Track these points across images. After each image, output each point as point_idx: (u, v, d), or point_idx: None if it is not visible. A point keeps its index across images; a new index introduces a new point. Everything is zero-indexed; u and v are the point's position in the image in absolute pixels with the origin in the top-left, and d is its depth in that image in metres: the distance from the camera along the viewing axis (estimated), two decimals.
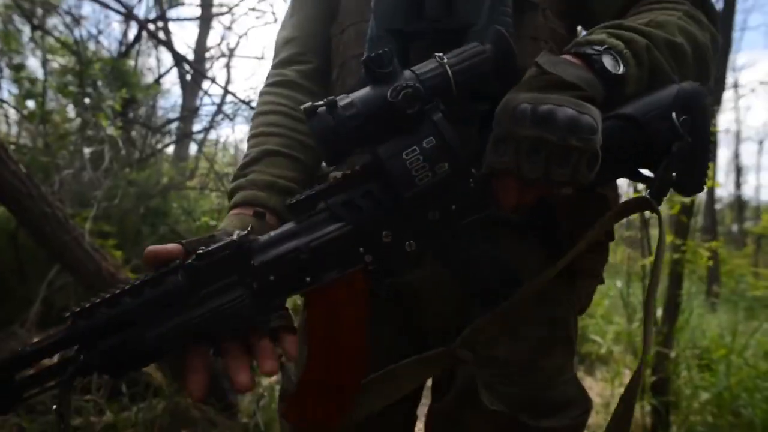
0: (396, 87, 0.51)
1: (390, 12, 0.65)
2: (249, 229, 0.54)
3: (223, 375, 2.48)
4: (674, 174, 0.55)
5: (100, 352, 0.49)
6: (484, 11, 0.62)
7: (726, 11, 2.92)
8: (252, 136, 0.77)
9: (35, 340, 0.51)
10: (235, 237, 0.52)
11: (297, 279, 0.53)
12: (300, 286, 0.53)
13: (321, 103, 0.52)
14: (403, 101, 0.51)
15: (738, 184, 16.57)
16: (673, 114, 0.55)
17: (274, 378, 2.98)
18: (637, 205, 0.58)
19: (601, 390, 3.38)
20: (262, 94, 0.84)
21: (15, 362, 0.49)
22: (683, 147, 0.54)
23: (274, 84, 0.82)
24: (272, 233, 0.54)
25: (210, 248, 0.51)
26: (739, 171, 16.53)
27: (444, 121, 0.53)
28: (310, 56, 0.83)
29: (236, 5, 6.59)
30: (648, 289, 0.56)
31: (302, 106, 0.53)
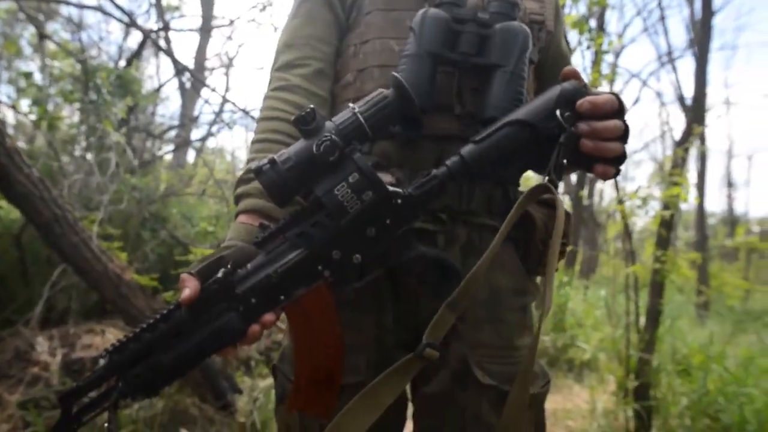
0: (318, 141, 0.64)
1: (432, 37, 0.77)
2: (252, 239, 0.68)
3: (220, 375, 2.56)
4: (565, 160, 0.68)
5: (133, 378, 0.63)
6: (512, 59, 0.76)
7: (703, 33, 3.07)
8: (256, 141, 0.86)
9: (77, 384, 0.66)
10: (220, 274, 0.65)
11: (273, 298, 0.67)
12: (277, 303, 0.67)
13: (265, 161, 0.66)
14: (323, 152, 0.64)
15: (730, 199, 16.85)
16: (557, 111, 0.69)
17: (269, 380, 3.06)
18: (539, 190, 0.71)
19: (588, 397, 3.47)
20: (265, 98, 0.91)
21: (71, 395, 0.63)
22: (569, 137, 0.68)
23: (276, 89, 0.88)
24: (249, 266, 0.68)
25: (203, 285, 0.65)
26: (730, 186, 16.82)
27: (362, 159, 0.66)
28: (310, 60, 0.89)
29: (237, 18, 6.71)
30: (546, 262, 0.69)
31: (250, 167, 0.67)
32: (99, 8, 3.52)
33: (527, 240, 0.85)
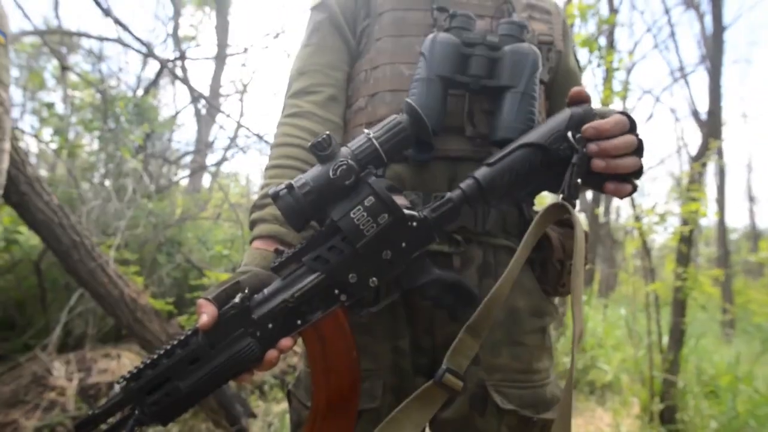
0: (334, 165, 0.65)
1: (442, 61, 0.78)
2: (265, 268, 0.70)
3: (235, 399, 2.54)
4: (579, 180, 0.67)
5: (149, 405, 0.63)
6: (523, 79, 0.77)
7: (715, 47, 3.05)
8: (270, 167, 0.87)
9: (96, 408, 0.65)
10: (237, 299, 0.65)
11: (290, 323, 0.67)
12: (294, 328, 0.67)
13: (282, 187, 0.66)
14: (340, 176, 0.64)
15: (751, 214, 16.53)
16: (569, 133, 0.68)
17: (284, 405, 3.02)
18: (555, 209, 0.70)
19: (611, 420, 3.36)
20: (279, 125, 0.92)
21: (88, 423, 0.63)
22: (582, 157, 0.67)
23: (290, 115, 0.89)
24: (265, 291, 0.68)
25: (220, 311, 0.65)
26: (751, 200, 16.50)
27: (378, 183, 0.67)
28: (323, 86, 0.90)
29: (251, 46, 6.87)
30: (568, 282, 0.67)
31: (268, 192, 0.68)
32: (119, 41, 3.63)
33: (543, 260, 0.84)
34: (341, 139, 0.91)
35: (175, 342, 0.65)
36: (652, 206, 2.52)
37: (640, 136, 0.69)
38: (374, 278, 0.68)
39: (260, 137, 4.69)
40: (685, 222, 2.39)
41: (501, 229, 0.83)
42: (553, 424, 0.67)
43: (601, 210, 5.97)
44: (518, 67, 0.77)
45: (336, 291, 0.68)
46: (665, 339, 2.72)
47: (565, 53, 0.97)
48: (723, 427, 2.49)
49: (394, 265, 0.68)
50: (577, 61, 1.05)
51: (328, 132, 0.67)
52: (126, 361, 2.87)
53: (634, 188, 0.71)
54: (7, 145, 1.26)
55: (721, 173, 9.47)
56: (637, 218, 2.47)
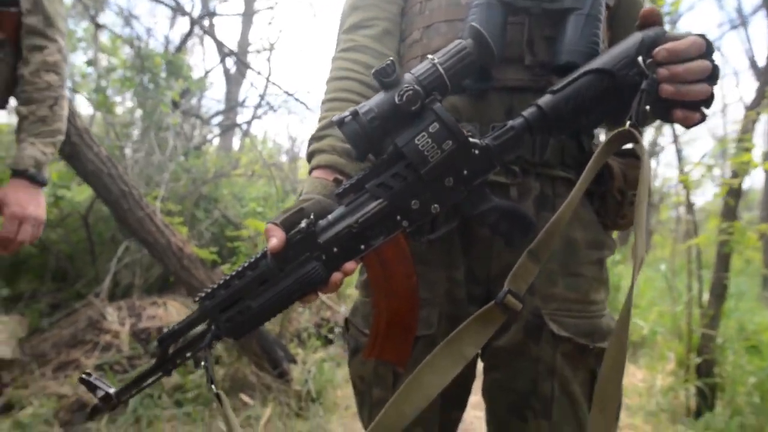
0: (400, 91, 0.64)
1: None
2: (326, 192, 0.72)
3: (276, 345, 2.65)
4: (647, 107, 0.64)
5: (224, 322, 0.67)
6: (588, 0, 0.74)
7: None
8: (327, 101, 0.87)
9: (175, 317, 0.68)
10: (303, 225, 0.67)
11: (353, 247, 0.68)
12: (357, 252, 0.69)
13: (347, 113, 0.66)
14: (406, 102, 0.64)
15: None
16: (639, 58, 0.65)
17: (321, 353, 3.14)
18: (621, 136, 0.67)
19: (644, 376, 3.37)
20: (334, 60, 0.92)
21: (169, 337, 0.67)
22: (651, 83, 0.64)
23: (345, 50, 0.89)
24: (330, 216, 0.69)
25: (287, 235, 0.67)
26: None
27: (442, 109, 0.66)
28: (377, 20, 0.89)
29: (276, 3, 6.77)
30: (637, 211, 0.65)
31: (333, 119, 0.67)
32: None
33: (603, 193, 0.82)
34: (397, 71, 0.89)
35: (246, 264, 0.68)
36: (700, 159, 2.42)
37: (715, 62, 0.66)
38: (436, 205, 0.69)
39: (290, 94, 4.67)
40: (734, 174, 2.30)
41: (559, 161, 0.81)
42: (605, 352, 0.67)
43: None
44: None
45: (398, 217, 0.68)
46: (705, 296, 2.67)
47: None
48: (762, 382, 2.47)
49: (455, 192, 0.69)
50: None
51: (391, 58, 0.66)
52: (172, 309, 3.02)
53: (703, 117, 0.68)
54: (65, 92, 1.30)
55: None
56: (682, 171, 2.39)
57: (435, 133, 0.66)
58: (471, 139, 0.67)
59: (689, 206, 2.69)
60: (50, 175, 3.23)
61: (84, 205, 3.47)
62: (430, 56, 0.67)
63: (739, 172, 2.24)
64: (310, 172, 0.82)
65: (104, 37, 4.96)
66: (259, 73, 3.73)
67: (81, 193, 3.71)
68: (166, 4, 4.34)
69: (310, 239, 0.68)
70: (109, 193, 2.14)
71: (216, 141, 6.56)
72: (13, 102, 1.32)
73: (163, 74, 3.56)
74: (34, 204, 1.19)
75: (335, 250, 0.68)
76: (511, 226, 0.72)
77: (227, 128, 5.10)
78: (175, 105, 4.04)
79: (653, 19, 0.69)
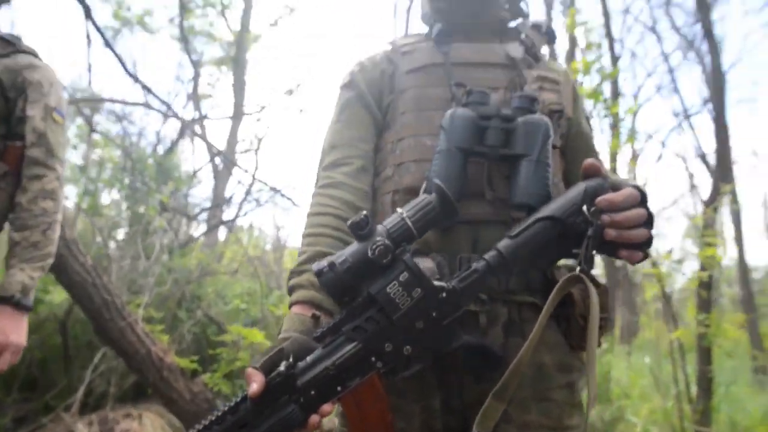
0: (372, 245, 0.71)
1: (460, 134, 0.86)
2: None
3: None
4: (594, 251, 0.72)
5: None
6: (536, 148, 0.84)
7: (716, 93, 3.15)
8: (306, 235, 0.94)
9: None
10: (282, 368, 0.71)
11: (331, 389, 0.72)
12: (334, 394, 0.72)
13: (325, 264, 0.73)
14: (378, 256, 0.71)
15: None
16: (584, 207, 0.74)
17: None
18: (571, 280, 0.75)
19: None
20: (313, 195, 1.00)
21: None
22: (596, 229, 0.73)
23: (323, 186, 0.97)
24: (308, 359, 0.73)
25: (267, 379, 0.70)
26: None
27: (411, 260, 0.73)
28: (353, 158, 0.98)
29: (263, 108, 7.20)
30: (588, 352, 0.71)
31: (313, 268, 0.74)
32: (146, 104, 3.86)
33: (568, 316, 0.88)
34: (371, 205, 0.98)
35: (226, 408, 0.70)
36: (668, 251, 2.54)
37: (650, 209, 0.75)
38: (408, 346, 0.74)
39: (276, 190, 4.83)
40: (703, 267, 2.40)
41: (524, 287, 0.88)
42: None
43: None
44: (531, 136, 0.84)
45: (373, 358, 0.73)
46: (693, 387, 2.66)
47: (576, 117, 1.05)
48: None
49: (426, 334, 0.74)
50: (588, 122, 1.13)
51: (365, 212, 0.73)
52: (147, 421, 2.86)
53: (646, 255, 0.76)
54: (60, 217, 1.36)
55: (736, 214, 9.40)
56: (654, 264, 2.49)
57: (405, 282, 0.72)
58: (438, 284, 0.74)
59: (665, 298, 2.75)
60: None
61: (62, 307, 3.40)
62: (399, 210, 0.75)
63: (707, 266, 2.34)
64: (290, 307, 0.87)
65: (97, 134, 5.16)
66: (245, 171, 3.90)
67: (59, 294, 3.65)
68: (157, 110, 4.60)
69: (288, 382, 0.71)
70: (91, 303, 2.13)
71: (202, 238, 6.60)
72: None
73: (152, 177, 3.68)
74: (17, 332, 1.20)
75: (313, 392, 0.71)
76: (480, 361, 0.77)
77: (213, 226, 5.18)
78: (163, 206, 4.14)
79: (594, 171, 0.79)
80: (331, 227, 0.92)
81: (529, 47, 1.03)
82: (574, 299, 0.86)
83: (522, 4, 1.13)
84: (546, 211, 0.76)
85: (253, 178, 4.77)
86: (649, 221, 0.75)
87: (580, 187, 0.77)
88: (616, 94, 4.14)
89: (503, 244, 0.77)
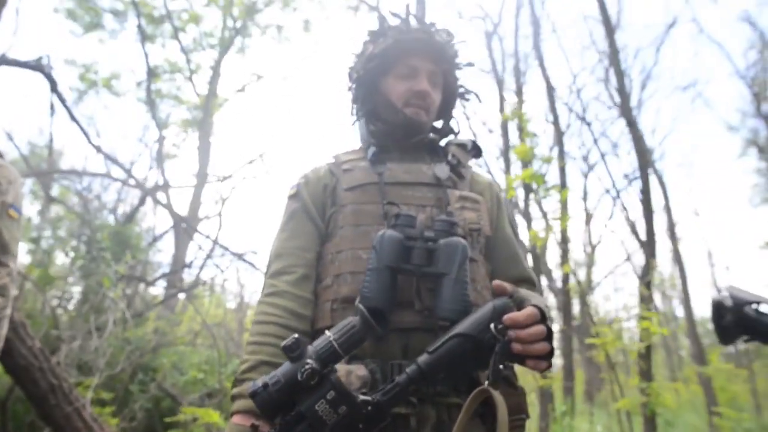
0: (301, 369, 0.79)
1: (389, 253, 0.96)
2: None
3: None
4: (501, 366, 0.83)
5: None
6: (454, 267, 0.95)
7: (643, 181, 3.45)
8: (250, 343, 1.03)
9: None
10: None
11: None
12: None
13: (259, 384, 0.81)
14: (306, 378, 0.79)
15: None
16: (491, 325, 0.85)
17: None
18: (480, 393, 0.85)
19: None
20: (258, 303, 1.08)
21: None
22: (503, 345, 0.84)
23: (268, 294, 1.05)
24: None
25: None
26: (719, 293, 16.89)
27: (337, 379, 0.82)
28: (296, 267, 1.07)
29: (228, 177, 7.30)
30: None
31: (248, 392, 0.82)
32: (107, 175, 3.89)
33: (492, 414, 0.97)
34: (312, 310, 1.07)
35: None
36: (609, 322, 2.69)
37: (549, 326, 0.88)
38: None
39: (238, 256, 4.84)
40: (641, 339, 2.56)
41: (452, 390, 0.97)
42: None
43: (575, 312, 6.13)
44: (451, 257, 0.96)
45: None
46: None
47: (500, 223, 1.19)
48: None
49: None
50: (513, 228, 1.27)
51: (296, 336, 0.83)
52: None
53: (550, 365, 0.88)
54: (8, 312, 1.39)
55: (682, 271, 9.90)
56: (596, 335, 2.64)
57: (331, 400, 0.81)
58: (362, 399, 0.83)
59: (610, 365, 2.88)
60: None
61: (2, 386, 3.23)
62: (327, 332, 0.85)
63: (643, 338, 2.50)
64: (231, 415, 0.93)
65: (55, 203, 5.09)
66: (207, 236, 3.93)
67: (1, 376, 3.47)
68: (116, 179, 4.61)
69: None
70: (36, 387, 2.08)
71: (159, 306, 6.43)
72: None
73: (110, 248, 3.65)
74: None
75: None
76: None
77: (172, 294, 5.09)
78: (122, 276, 4.07)
79: (502, 291, 0.92)
80: (273, 335, 1.00)
81: (455, 166, 1.18)
82: (495, 401, 0.97)
83: (453, 123, 1.30)
84: (460, 328, 0.87)
85: (214, 243, 4.77)
86: (548, 337, 0.87)
87: (488, 307, 0.89)
88: (563, 182, 4.52)
89: (422, 359, 0.87)
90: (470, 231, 1.09)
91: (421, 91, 1.16)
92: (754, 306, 1.02)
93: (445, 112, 1.28)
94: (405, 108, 1.17)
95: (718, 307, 1.06)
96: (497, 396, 0.83)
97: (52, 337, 3.01)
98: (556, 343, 0.91)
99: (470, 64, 1.27)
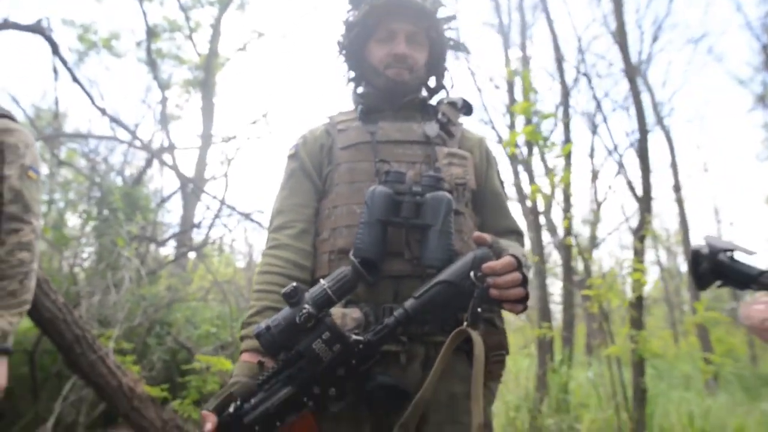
0: (299, 313, 0.90)
1: (379, 208, 1.05)
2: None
3: None
4: (479, 309, 0.92)
5: None
6: (440, 219, 1.04)
7: (641, 141, 3.46)
8: (255, 291, 1.13)
9: None
10: (232, 409, 0.90)
11: (271, 425, 0.91)
12: (274, 429, 0.91)
13: (263, 326, 0.92)
14: (303, 321, 0.90)
15: None
16: (471, 273, 0.94)
17: None
18: (459, 334, 0.94)
19: None
20: (262, 255, 1.19)
21: None
22: (482, 291, 0.93)
23: (271, 247, 1.15)
24: (252, 401, 0.92)
25: (219, 418, 0.91)
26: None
27: (331, 321, 0.93)
28: (296, 222, 1.16)
29: (233, 137, 7.33)
30: (472, 389, 0.90)
31: (253, 333, 0.93)
32: (113, 137, 3.96)
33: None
34: (312, 261, 1.16)
35: None
36: (603, 275, 2.80)
37: (525, 273, 0.96)
38: (333, 389, 0.93)
39: (245, 215, 4.96)
40: (633, 290, 2.67)
41: (439, 329, 1.08)
42: None
43: (576, 265, 6.27)
44: (436, 209, 1.04)
45: (304, 399, 0.93)
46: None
47: (489, 178, 1.27)
48: None
49: (347, 378, 0.94)
50: (501, 182, 1.34)
51: (295, 284, 0.93)
52: None
53: (525, 308, 0.97)
54: (35, 266, 1.50)
55: (684, 226, 9.95)
56: (590, 286, 2.75)
57: (327, 340, 0.92)
58: (354, 338, 0.94)
59: (604, 316, 3.01)
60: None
61: (29, 338, 3.43)
62: (321, 281, 0.95)
63: (635, 289, 2.61)
64: (240, 353, 1.05)
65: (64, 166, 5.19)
66: (214, 197, 4.03)
67: (25, 323, 3.66)
68: (123, 141, 4.68)
69: (237, 421, 0.91)
70: (63, 338, 2.24)
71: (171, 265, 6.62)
72: None
73: (122, 209, 3.77)
74: None
75: (257, 428, 0.91)
76: (390, 398, 0.96)
77: (182, 253, 5.25)
78: (135, 236, 4.21)
79: (482, 242, 1.00)
80: (276, 284, 1.11)
81: (444, 124, 1.24)
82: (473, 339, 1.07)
83: (446, 80, 1.35)
84: (443, 275, 0.97)
85: (222, 204, 4.88)
86: (524, 282, 0.96)
87: (469, 256, 0.98)
88: (567, 138, 4.53)
89: (409, 303, 0.97)
90: (456, 185, 1.16)
91: (398, 54, 1.22)
92: (728, 253, 1.11)
93: (436, 68, 1.33)
94: (386, 70, 1.23)
95: (695, 255, 1.14)
96: (475, 335, 0.93)
97: (72, 293, 3.18)
98: (531, 290, 1.00)
99: (452, 18, 1.30)
